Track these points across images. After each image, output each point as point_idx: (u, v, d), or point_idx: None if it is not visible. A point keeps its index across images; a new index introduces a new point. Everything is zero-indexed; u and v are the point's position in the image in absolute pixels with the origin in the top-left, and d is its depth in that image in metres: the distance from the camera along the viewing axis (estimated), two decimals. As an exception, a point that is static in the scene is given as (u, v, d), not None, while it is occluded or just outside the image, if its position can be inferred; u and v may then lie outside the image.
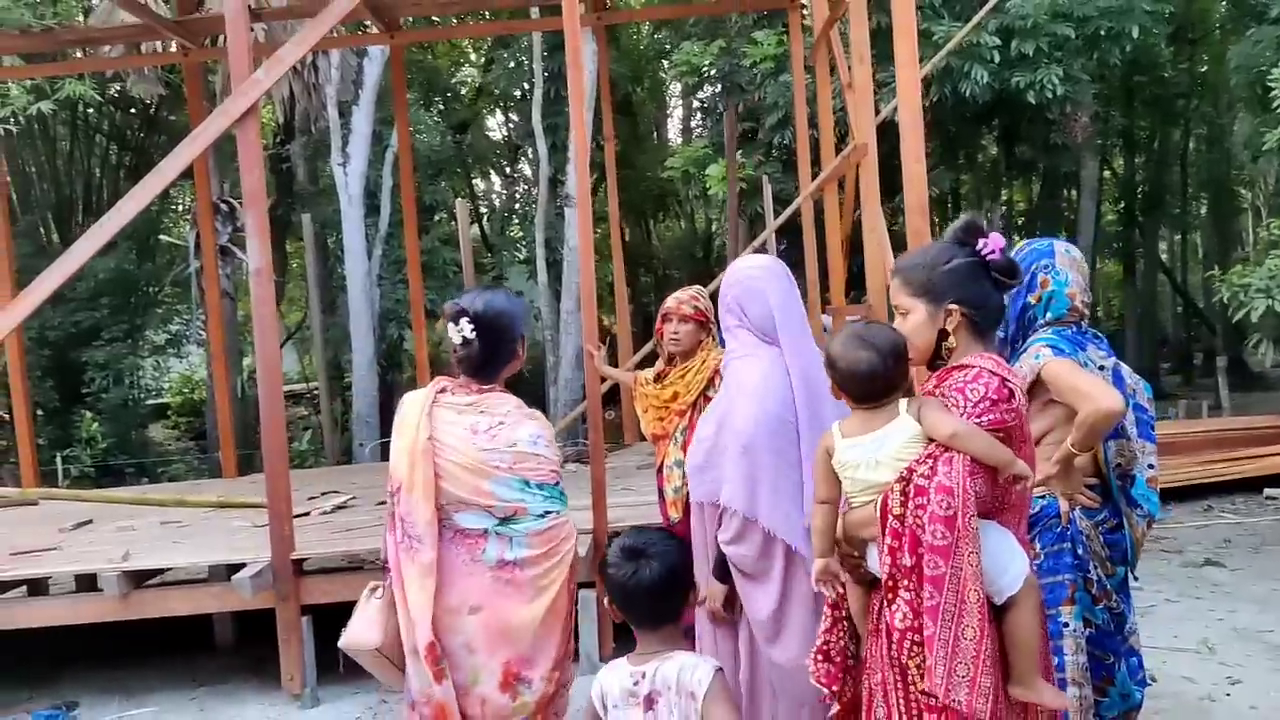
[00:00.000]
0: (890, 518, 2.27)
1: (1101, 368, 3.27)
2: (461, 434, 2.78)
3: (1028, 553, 2.44)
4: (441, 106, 18.86)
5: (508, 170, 21.30)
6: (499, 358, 2.90)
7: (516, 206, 19.68)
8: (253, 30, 9.81)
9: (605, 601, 2.48)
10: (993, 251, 2.46)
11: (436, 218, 15.77)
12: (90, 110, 14.39)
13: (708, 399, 4.13)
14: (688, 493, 3.38)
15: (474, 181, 21.48)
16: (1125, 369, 3.37)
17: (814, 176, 7.80)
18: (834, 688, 2.59)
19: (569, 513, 2.93)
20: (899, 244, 5.25)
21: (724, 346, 3.37)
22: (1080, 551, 3.19)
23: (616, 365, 7.24)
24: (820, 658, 2.62)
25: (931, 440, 2.30)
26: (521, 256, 16.75)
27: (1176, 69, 17.40)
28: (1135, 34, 11.19)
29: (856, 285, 9.11)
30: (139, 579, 5.39)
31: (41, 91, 11.76)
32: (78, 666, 6.06)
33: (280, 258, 17.85)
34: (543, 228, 13.88)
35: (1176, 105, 17.80)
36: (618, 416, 10.85)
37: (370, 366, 12.46)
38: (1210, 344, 20.14)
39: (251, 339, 8.25)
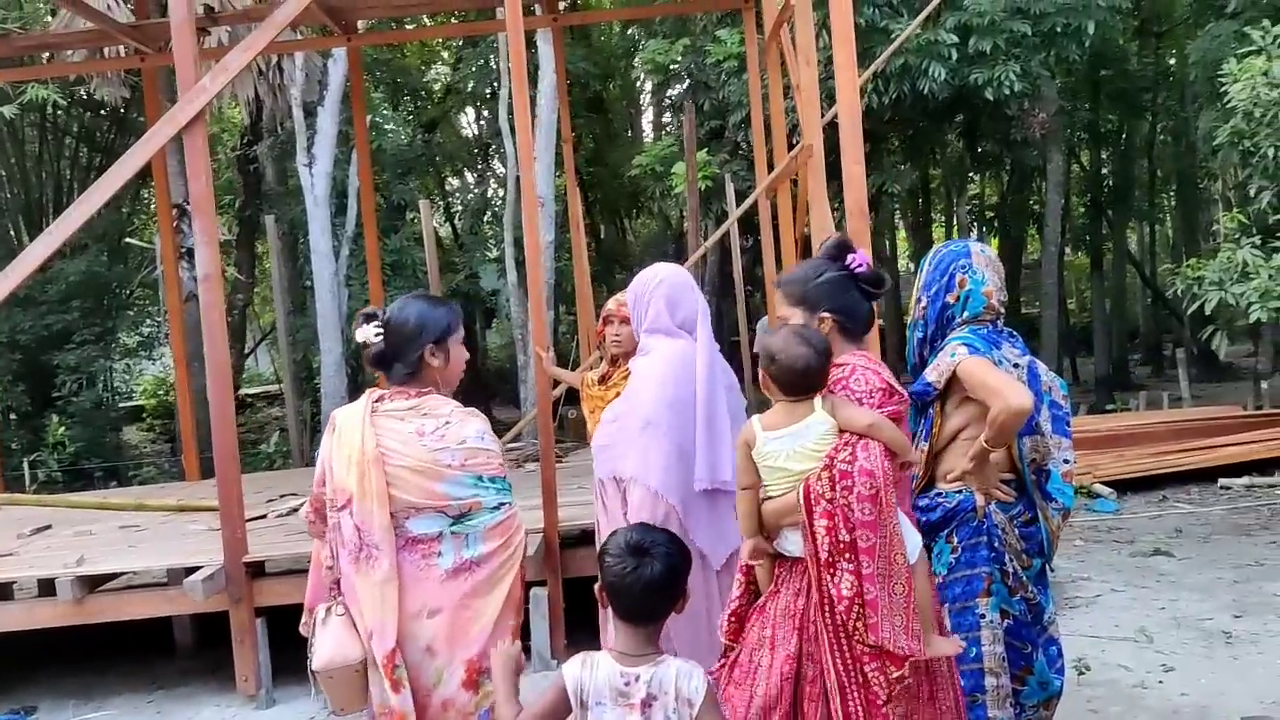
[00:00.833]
0: (822, 502, 2.53)
1: (1016, 365, 3.35)
2: (409, 438, 2.80)
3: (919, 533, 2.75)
4: (412, 105, 18.88)
5: (479, 168, 21.31)
6: (400, 360, 2.92)
7: (488, 204, 19.70)
8: (211, 34, 9.92)
9: (596, 589, 2.50)
10: (860, 265, 2.80)
11: (410, 217, 15.78)
12: (59, 112, 14.36)
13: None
14: None
15: (445, 179, 21.49)
16: (1041, 366, 3.46)
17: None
18: (733, 642, 2.85)
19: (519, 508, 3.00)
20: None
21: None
22: (996, 545, 3.27)
23: (578, 365, 7.31)
24: (733, 619, 2.86)
25: (843, 431, 2.56)
26: (493, 254, 16.78)
27: (1141, 62, 17.58)
28: (1092, 30, 11.32)
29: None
30: (95, 583, 5.43)
31: (5, 95, 11.74)
32: (39, 671, 6.09)
33: (251, 258, 17.84)
34: (512, 227, 13.90)
35: (1142, 99, 17.97)
36: (580, 415, 10.90)
37: (339, 367, 12.46)
38: (1180, 335, 20.35)
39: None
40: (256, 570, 5.39)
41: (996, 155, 15.27)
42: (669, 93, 17.21)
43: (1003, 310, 3.44)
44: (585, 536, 5.43)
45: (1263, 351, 16.37)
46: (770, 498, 2.67)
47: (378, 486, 2.75)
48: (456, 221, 20.77)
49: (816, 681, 2.60)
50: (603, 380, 4.62)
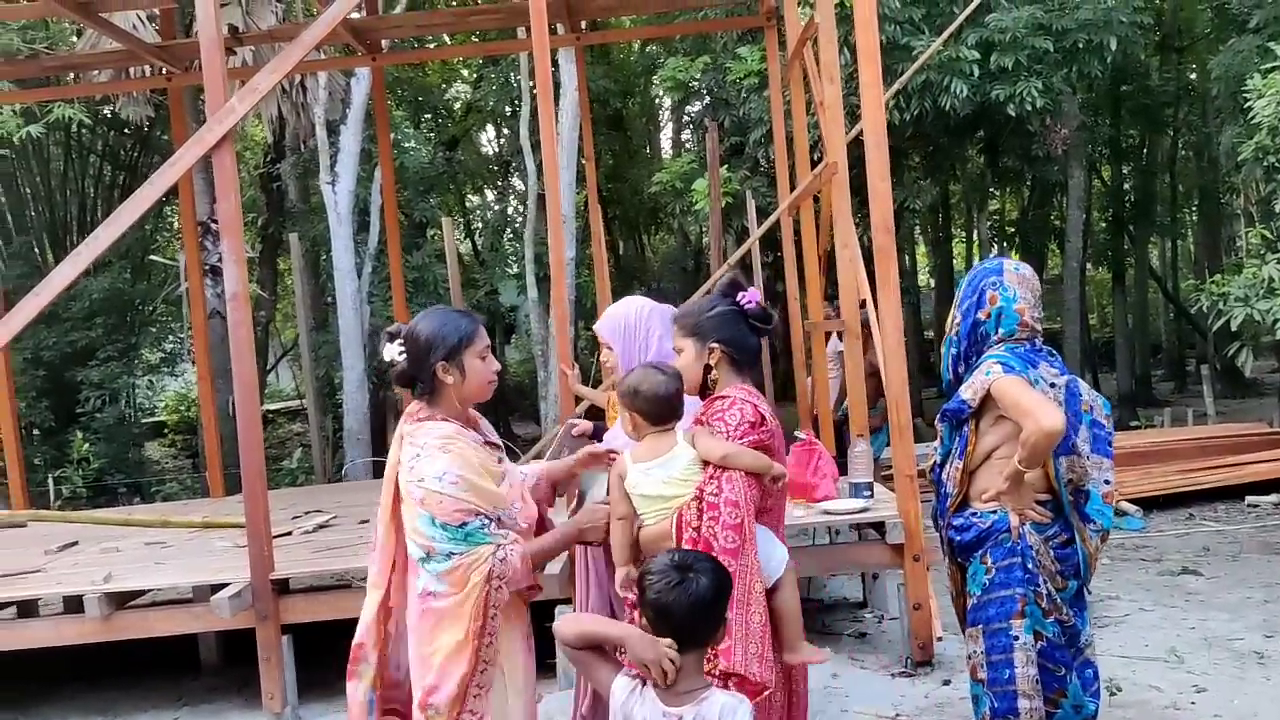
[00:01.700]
0: (688, 529, 2.72)
1: (1054, 385, 3.33)
2: (404, 461, 2.84)
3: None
4: (434, 123, 18.98)
5: (500, 185, 21.40)
6: (419, 378, 2.90)
7: (509, 221, 19.77)
8: (236, 53, 10.00)
9: (636, 615, 2.52)
10: (750, 302, 2.99)
11: (430, 234, 15.85)
12: (84, 131, 14.48)
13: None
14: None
15: (466, 197, 21.58)
16: (1082, 385, 3.44)
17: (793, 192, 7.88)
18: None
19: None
20: (873, 260, 5.31)
21: None
22: (1030, 566, 3.25)
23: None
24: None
25: (707, 462, 2.76)
26: (513, 271, 16.82)
27: (1163, 78, 17.50)
28: (1114, 46, 11.28)
29: (834, 300, 9.18)
30: (121, 600, 5.44)
31: (32, 115, 11.87)
32: (63, 688, 6.11)
33: (273, 275, 17.94)
34: (532, 243, 13.96)
35: (1164, 114, 17.88)
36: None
37: (361, 383, 12.49)
38: (1204, 351, 20.20)
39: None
40: (283, 587, 5.39)
41: (1017, 171, 15.19)
42: (688, 109, 17.26)
43: (1039, 328, 3.42)
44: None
45: (1287, 367, 16.22)
46: (645, 526, 2.86)
47: (385, 500, 2.89)
48: (477, 238, 20.83)
49: None
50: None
